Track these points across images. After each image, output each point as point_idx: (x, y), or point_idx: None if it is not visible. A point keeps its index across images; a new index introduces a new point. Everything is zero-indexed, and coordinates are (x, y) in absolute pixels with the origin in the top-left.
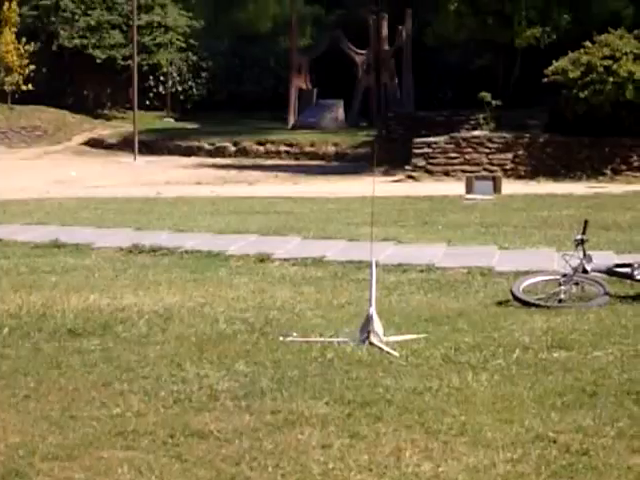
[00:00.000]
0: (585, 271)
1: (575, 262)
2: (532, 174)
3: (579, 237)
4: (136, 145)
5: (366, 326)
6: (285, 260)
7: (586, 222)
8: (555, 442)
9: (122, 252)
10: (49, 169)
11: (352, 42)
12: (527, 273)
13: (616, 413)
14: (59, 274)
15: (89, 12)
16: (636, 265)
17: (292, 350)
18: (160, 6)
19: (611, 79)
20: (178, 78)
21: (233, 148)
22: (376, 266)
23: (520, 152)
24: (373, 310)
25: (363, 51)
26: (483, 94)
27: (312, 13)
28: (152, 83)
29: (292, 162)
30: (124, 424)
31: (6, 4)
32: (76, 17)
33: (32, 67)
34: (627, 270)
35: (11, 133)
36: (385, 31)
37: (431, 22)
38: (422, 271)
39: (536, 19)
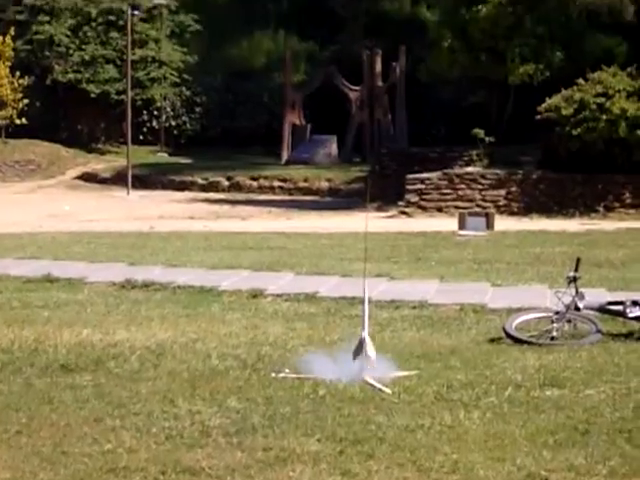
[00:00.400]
0: (577, 308)
1: (567, 299)
2: (525, 211)
3: (571, 274)
4: (129, 179)
5: (358, 354)
6: (278, 296)
7: (578, 259)
8: None
9: (115, 287)
10: (42, 203)
11: (346, 78)
12: (519, 310)
13: (608, 452)
14: (51, 309)
15: (83, 47)
16: (628, 303)
17: (284, 386)
18: (154, 41)
19: (604, 116)
20: (172, 113)
21: (226, 183)
22: (369, 302)
23: (513, 189)
24: (366, 334)
25: (357, 87)
26: (476, 131)
27: (306, 49)
28: (146, 118)
29: (285, 197)
30: (116, 460)
31: (0, 38)
32: (70, 52)
33: (26, 101)
34: (619, 308)
35: (5, 167)
36: (379, 67)
37: (425, 58)
38: (415, 307)
39: (529, 56)
